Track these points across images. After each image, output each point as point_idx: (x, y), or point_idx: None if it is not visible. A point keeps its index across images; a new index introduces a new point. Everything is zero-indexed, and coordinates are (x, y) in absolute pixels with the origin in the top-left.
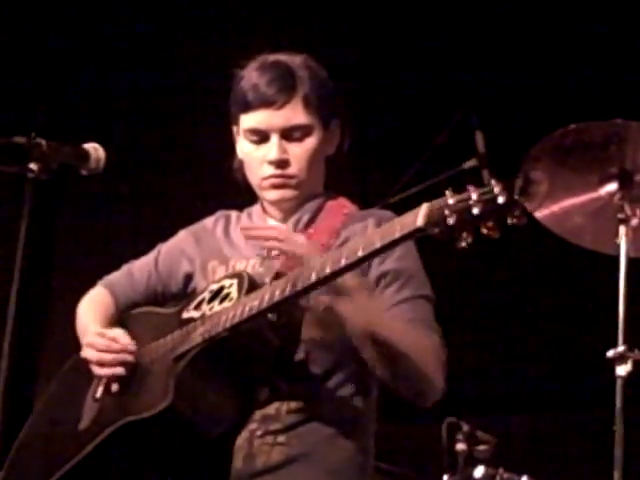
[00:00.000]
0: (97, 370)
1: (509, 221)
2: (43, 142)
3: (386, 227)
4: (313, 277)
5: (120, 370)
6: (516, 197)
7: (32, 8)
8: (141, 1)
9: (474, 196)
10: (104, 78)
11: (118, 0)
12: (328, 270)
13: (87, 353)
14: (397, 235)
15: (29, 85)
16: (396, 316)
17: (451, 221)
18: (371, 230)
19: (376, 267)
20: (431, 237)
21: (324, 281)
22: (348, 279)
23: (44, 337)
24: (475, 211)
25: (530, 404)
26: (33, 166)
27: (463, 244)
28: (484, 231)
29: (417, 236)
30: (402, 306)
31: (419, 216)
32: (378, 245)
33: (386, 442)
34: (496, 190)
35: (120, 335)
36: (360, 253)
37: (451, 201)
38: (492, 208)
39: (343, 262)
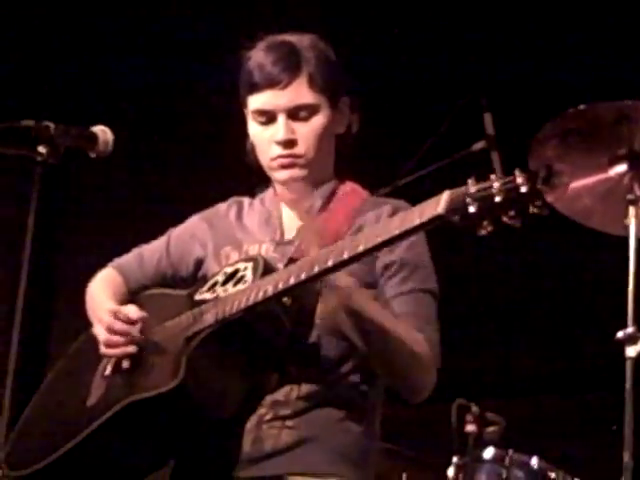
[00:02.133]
0: (105, 350)
1: (531, 211)
2: (51, 125)
3: (405, 214)
4: (330, 262)
5: (131, 349)
6: (539, 187)
7: None
8: None
9: (496, 185)
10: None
11: None
12: (346, 255)
13: (98, 330)
14: (417, 222)
15: (36, 70)
16: (394, 308)
17: (472, 209)
18: (385, 219)
19: (383, 256)
20: (451, 225)
21: (340, 266)
22: (340, 277)
23: (51, 324)
24: (497, 199)
25: (540, 386)
26: (41, 149)
27: (483, 232)
28: (505, 220)
29: (437, 224)
30: (402, 298)
31: (440, 203)
32: (397, 232)
33: (395, 424)
34: (519, 180)
35: (133, 311)
36: (379, 239)
37: (473, 189)
38: (514, 197)
39: (361, 248)
